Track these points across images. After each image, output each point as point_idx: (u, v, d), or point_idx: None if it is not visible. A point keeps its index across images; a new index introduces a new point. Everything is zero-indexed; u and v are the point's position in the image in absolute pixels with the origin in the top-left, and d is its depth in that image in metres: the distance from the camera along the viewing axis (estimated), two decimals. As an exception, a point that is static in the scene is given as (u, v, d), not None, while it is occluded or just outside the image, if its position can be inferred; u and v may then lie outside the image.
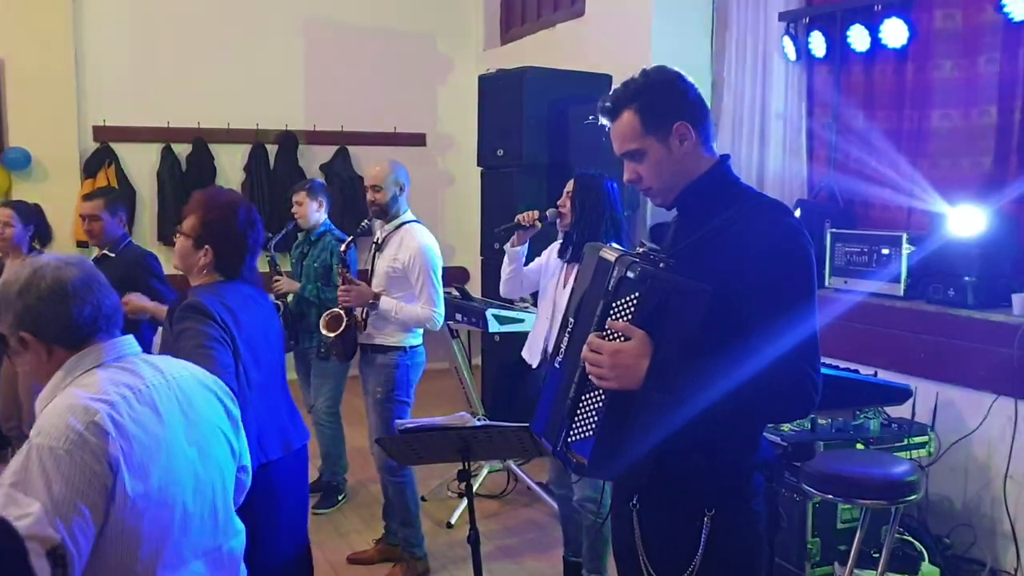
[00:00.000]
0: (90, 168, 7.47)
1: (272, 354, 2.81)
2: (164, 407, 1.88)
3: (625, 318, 1.78)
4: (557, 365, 2.01)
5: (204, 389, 2.04)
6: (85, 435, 1.71)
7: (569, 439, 1.86)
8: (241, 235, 2.75)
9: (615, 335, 1.79)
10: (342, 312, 4.17)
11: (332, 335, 4.19)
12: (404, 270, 4.01)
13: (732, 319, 1.80)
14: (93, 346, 1.87)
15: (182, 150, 7.76)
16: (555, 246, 3.90)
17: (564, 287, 3.70)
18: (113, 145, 7.55)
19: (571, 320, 1.98)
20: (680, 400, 1.76)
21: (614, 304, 1.80)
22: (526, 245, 3.97)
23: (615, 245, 1.99)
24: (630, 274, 1.76)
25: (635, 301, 1.76)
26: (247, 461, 2.17)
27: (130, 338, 1.97)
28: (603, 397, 1.81)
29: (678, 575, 1.92)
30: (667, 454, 1.84)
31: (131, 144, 7.60)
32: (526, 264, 4.01)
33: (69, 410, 1.73)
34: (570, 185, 3.74)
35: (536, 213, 3.86)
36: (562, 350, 1.99)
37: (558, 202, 3.77)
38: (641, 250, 1.89)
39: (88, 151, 7.52)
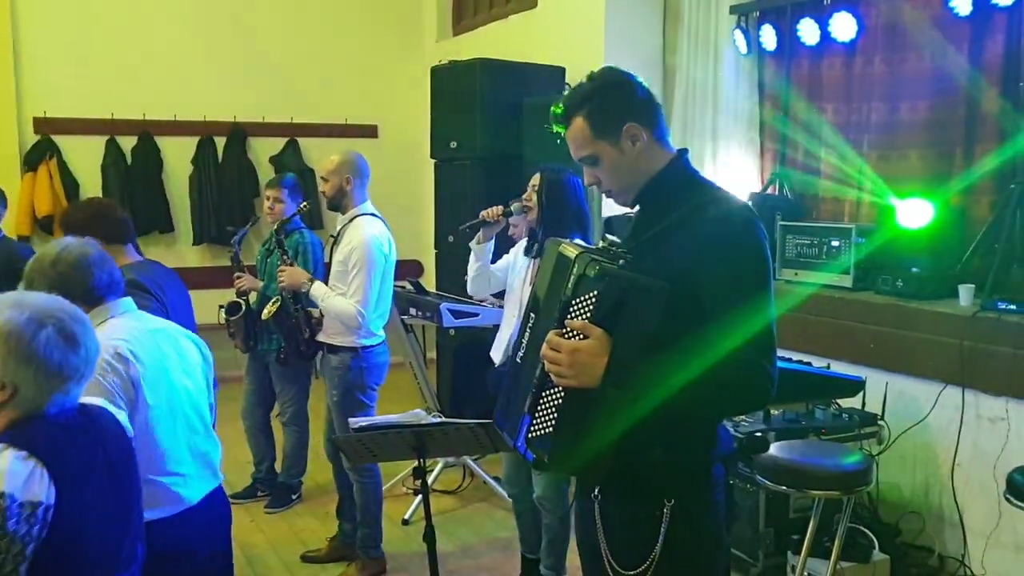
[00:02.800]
0: (31, 162, 7.25)
1: (191, 322, 3.32)
2: (161, 345, 2.49)
3: (584, 316, 1.79)
4: (519, 360, 2.02)
5: (184, 336, 2.65)
6: (112, 363, 2.31)
7: (530, 434, 1.87)
8: (94, 209, 3.31)
9: (574, 333, 1.79)
10: (280, 297, 4.18)
11: (267, 318, 4.27)
12: (345, 263, 3.92)
13: (689, 314, 1.81)
14: (105, 304, 2.44)
15: (127, 143, 7.58)
16: (523, 244, 3.84)
17: (530, 285, 3.66)
18: (55, 138, 7.35)
19: (532, 316, 1.99)
20: (638, 396, 1.78)
21: (573, 302, 1.81)
22: (492, 241, 3.88)
23: (576, 240, 1.99)
24: (589, 272, 1.76)
25: (594, 299, 1.77)
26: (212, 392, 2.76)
27: (129, 299, 2.54)
28: (562, 394, 1.82)
29: (639, 565, 1.94)
30: (627, 447, 1.86)
31: (74, 137, 7.41)
32: (494, 262, 3.94)
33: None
34: (536, 179, 3.68)
35: (500, 208, 3.78)
36: (523, 345, 2.00)
37: (523, 196, 3.70)
38: (602, 245, 1.91)
39: (28, 144, 7.30)
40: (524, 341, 2.00)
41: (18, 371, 1.77)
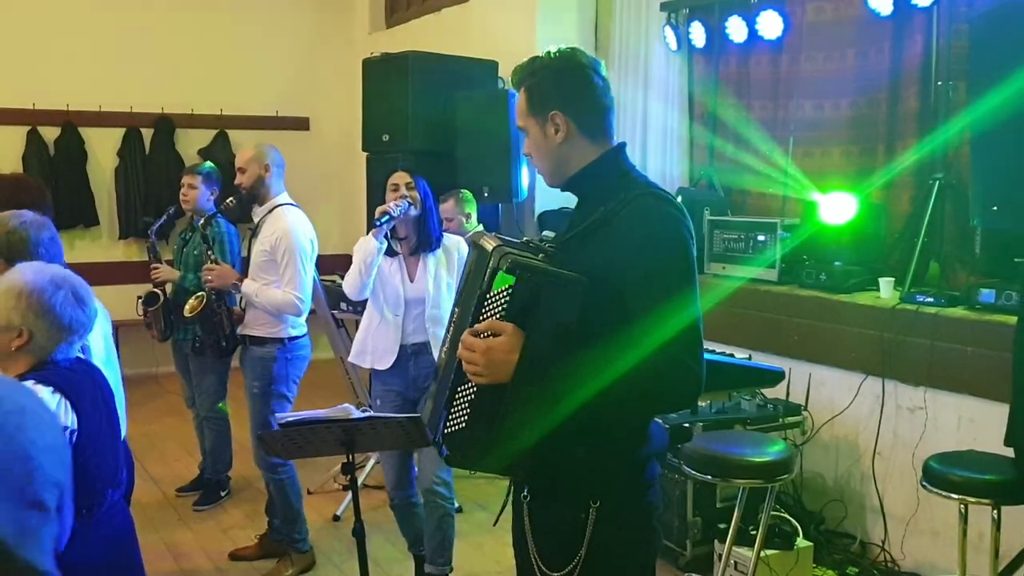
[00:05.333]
0: (-53, 151, 7.02)
1: None
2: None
3: (499, 310, 1.77)
4: (443, 355, 2.00)
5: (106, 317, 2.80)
6: None
7: (446, 430, 1.85)
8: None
9: (487, 333, 1.78)
10: (204, 294, 4.11)
11: (191, 315, 4.19)
12: (271, 253, 3.89)
13: (612, 311, 1.78)
14: None
15: (50, 134, 7.39)
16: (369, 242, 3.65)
17: (412, 281, 3.63)
18: (-28, 127, 7.13)
19: (456, 310, 1.98)
20: (555, 393, 1.75)
21: (488, 296, 1.79)
22: None
23: (496, 235, 1.96)
24: (503, 265, 1.74)
25: (508, 294, 1.75)
26: None
27: None
28: (474, 389, 1.81)
29: (565, 566, 1.90)
30: (548, 446, 1.82)
31: (-8, 126, 7.19)
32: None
33: None
34: (407, 178, 3.61)
35: (403, 199, 3.59)
36: (447, 340, 1.98)
37: (404, 194, 3.58)
38: (525, 239, 1.89)
39: (-56, 134, 7.08)
40: (448, 336, 1.98)
41: (36, 322, 2.15)
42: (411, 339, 3.62)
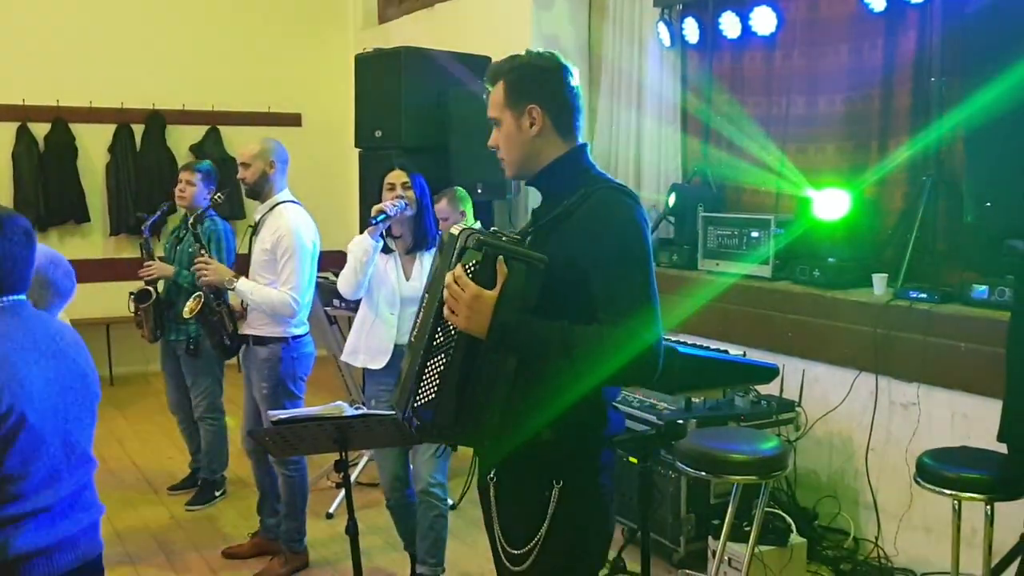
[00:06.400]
0: (-64, 148, 6.99)
1: None
2: None
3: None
4: (412, 340, 2.08)
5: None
6: None
7: (415, 404, 1.92)
8: None
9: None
10: (201, 294, 4.08)
11: (190, 316, 4.16)
12: (271, 252, 3.86)
13: (576, 295, 1.89)
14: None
15: (40, 129, 7.35)
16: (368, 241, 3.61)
17: (408, 280, 3.62)
18: (-39, 123, 7.09)
19: (426, 295, 2.07)
20: (520, 363, 1.87)
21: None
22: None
23: (463, 225, 2.06)
24: (470, 243, 1.88)
25: (474, 267, 1.86)
26: None
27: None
28: (444, 360, 1.89)
29: (526, 545, 2.01)
30: (514, 426, 1.92)
31: (-19, 122, 7.15)
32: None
33: None
34: (404, 177, 3.60)
35: (399, 198, 3.57)
36: (417, 324, 2.08)
37: (400, 194, 3.56)
38: (492, 229, 2.02)
39: (-67, 129, 7.04)
40: (418, 320, 2.07)
41: (40, 292, 2.53)
42: (407, 338, 3.58)
